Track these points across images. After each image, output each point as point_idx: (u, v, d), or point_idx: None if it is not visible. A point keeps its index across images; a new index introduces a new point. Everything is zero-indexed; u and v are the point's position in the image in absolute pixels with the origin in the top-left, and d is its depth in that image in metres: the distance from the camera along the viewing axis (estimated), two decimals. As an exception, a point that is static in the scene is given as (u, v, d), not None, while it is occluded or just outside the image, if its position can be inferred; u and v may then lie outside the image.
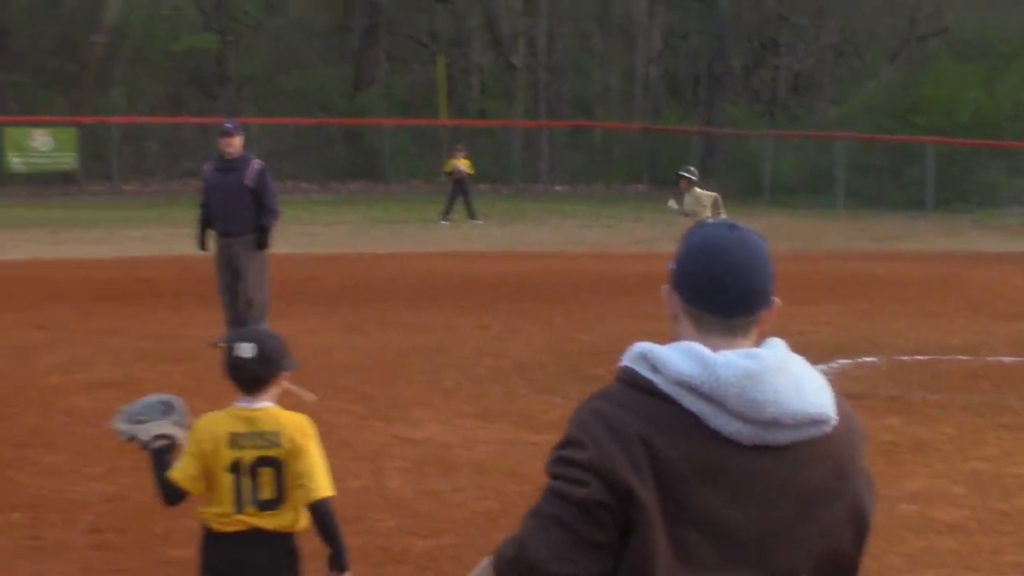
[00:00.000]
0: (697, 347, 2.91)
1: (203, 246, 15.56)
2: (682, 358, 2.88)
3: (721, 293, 2.98)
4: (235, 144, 15.07)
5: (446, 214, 36.22)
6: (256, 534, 5.28)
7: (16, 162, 46.15)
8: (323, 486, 5.27)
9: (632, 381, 2.93)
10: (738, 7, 56.86)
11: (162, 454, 5.48)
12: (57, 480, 9.64)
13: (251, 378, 5.27)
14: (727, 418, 2.84)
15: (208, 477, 5.31)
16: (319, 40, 59.02)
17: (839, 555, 2.96)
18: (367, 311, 18.47)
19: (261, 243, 15.17)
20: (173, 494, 5.45)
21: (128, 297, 19.73)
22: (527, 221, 37.31)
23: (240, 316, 14.98)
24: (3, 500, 9.09)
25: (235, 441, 5.22)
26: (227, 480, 5.22)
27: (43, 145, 46.45)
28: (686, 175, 21.48)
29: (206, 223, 15.33)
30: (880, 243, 31.34)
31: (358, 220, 36.30)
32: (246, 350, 5.22)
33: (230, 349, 5.34)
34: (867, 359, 14.99)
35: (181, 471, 5.34)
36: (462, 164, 36.97)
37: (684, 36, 60.91)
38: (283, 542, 5.37)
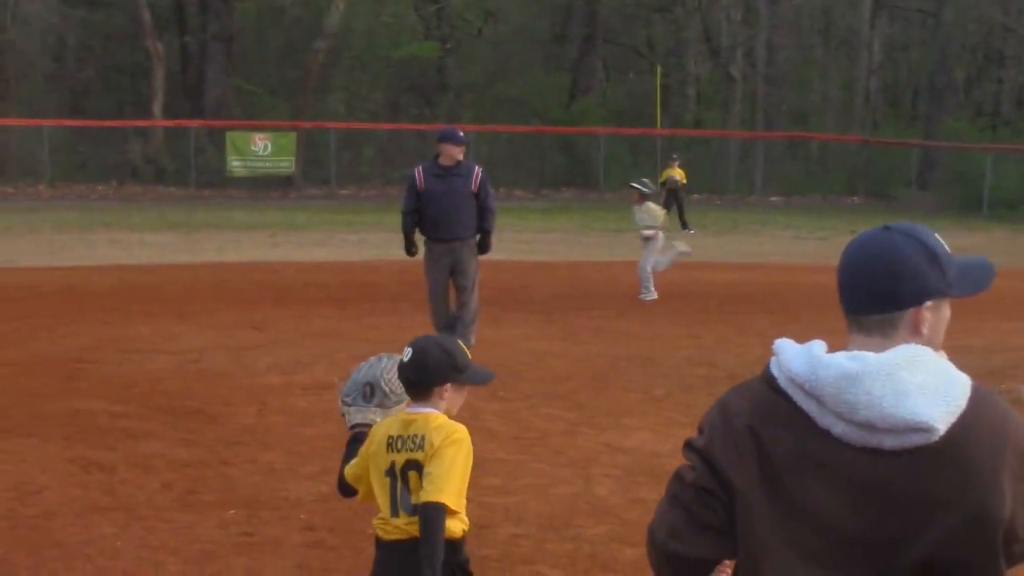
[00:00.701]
0: (816, 346, 2.98)
1: (412, 251, 15.63)
2: (797, 356, 2.97)
3: (846, 290, 3.07)
4: (460, 152, 15.13)
5: (659, 224, 36.06)
6: (414, 542, 5.09)
7: (237, 166, 47.21)
8: (439, 491, 4.97)
9: (763, 375, 3.04)
10: (962, 18, 55.69)
11: (352, 444, 5.43)
12: (272, 478, 9.78)
13: (407, 382, 5.17)
14: (832, 418, 2.89)
15: (373, 480, 5.25)
16: (537, 48, 59.34)
17: (962, 564, 2.90)
18: (580, 319, 18.46)
19: (485, 246, 15.31)
20: (344, 487, 5.47)
21: (344, 300, 20.01)
22: (741, 232, 36.99)
23: (452, 320, 15.13)
24: (220, 496, 9.25)
25: (392, 444, 5.13)
26: (385, 484, 5.15)
27: (263, 150, 47.41)
28: (637, 187, 20.85)
29: (414, 229, 15.38)
30: (1106, 260, 30.36)
31: (572, 228, 36.37)
32: (406, 354, 5.12)
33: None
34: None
35: (351, 467, 5.34)
36: (677, 174, 36.83)
37: (905, 48, 59.94)
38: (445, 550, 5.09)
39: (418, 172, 15.33)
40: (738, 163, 53.55)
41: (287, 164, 47.83)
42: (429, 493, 4.96)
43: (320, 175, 49.61)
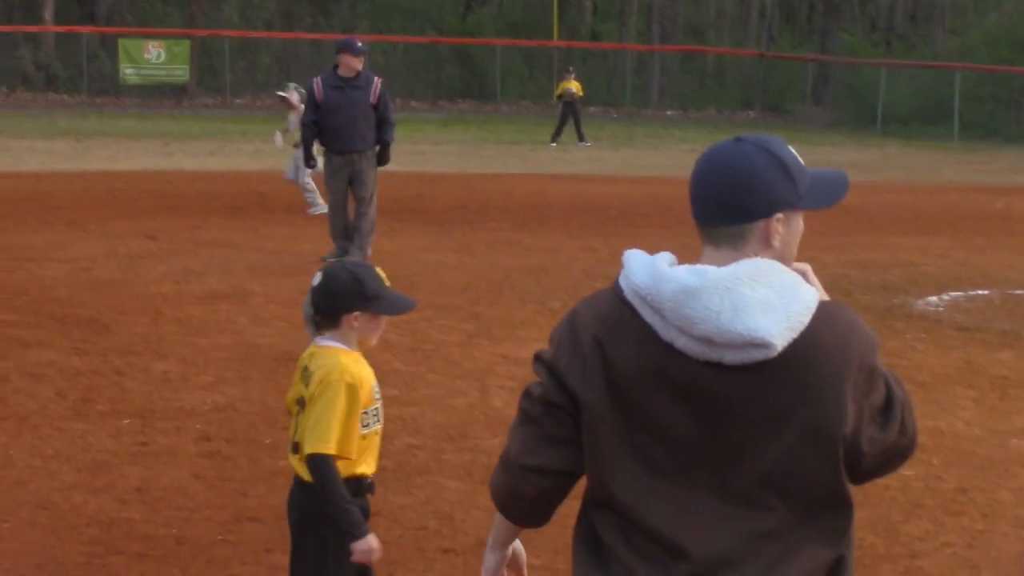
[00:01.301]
0: (661, 259, 2.95)
1: (311, 163, 15.67)
2: (641, 268, 2.94)
3: (697, 202, 3.02)
4: (360, 63, 15.07)
5: (556, 136, 36.11)
6: (297, 482, 4.96)
7: (130, 73, 46.61)
8: (319, 439, 4.71)
9: (612, 287, 3.01)
10: (858, -69, 55.99)
11: None
12: (166, 388, 9.72)
13: (316, 309, 4.85)
14: (674, 332, 2.87)
15: None
16: (433, -43, 58.84)
17: (803, 478, 2.90)
18: (476, 231, 18.47)
19: (384, 158, 15.35)
20: None
21: (238, 210, 19.86)
22: (637, 145, 37.11)
23: (348, 230, 15.12)
24: (114, 406, 9.18)
25: (301, 374, 4.89)
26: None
27: (157, 57, 46.80)
28: (284, 94, 20.99)
29: (313, 140, 15.35)
30: (996, 176, 30.82)
31: (468, 140, 36.29)
32: (315, 280, 4.85)
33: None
34: (980, 292, 14.75)
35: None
36: (573, 86, 36.80)
37: (801, -40, 60.09)
38: (310, 494, 4.86)
39: (316, 83, 15.22)
40: (634, 76, 53.59)
41: (181, 72, 47.28)
42: (311, 443, 4.72)
43: (215, 84, 49.10)
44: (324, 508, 4.76)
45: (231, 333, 11.60)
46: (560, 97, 37.24)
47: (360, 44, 15.39)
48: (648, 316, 2.89)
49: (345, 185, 15.19)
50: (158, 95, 46.89)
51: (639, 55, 54.58)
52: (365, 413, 4.83)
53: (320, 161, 15.61)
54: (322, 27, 52.90)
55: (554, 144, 35.46)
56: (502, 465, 3.19)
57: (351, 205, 15.30)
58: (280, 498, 7.35)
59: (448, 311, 12.68)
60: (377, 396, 4.92)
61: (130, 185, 22.75)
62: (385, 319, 4.95)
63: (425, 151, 30.57)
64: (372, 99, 14.99)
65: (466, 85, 51.71)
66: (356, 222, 15.23)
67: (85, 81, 46.60)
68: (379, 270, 4.96)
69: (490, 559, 3.45)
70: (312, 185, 19.42)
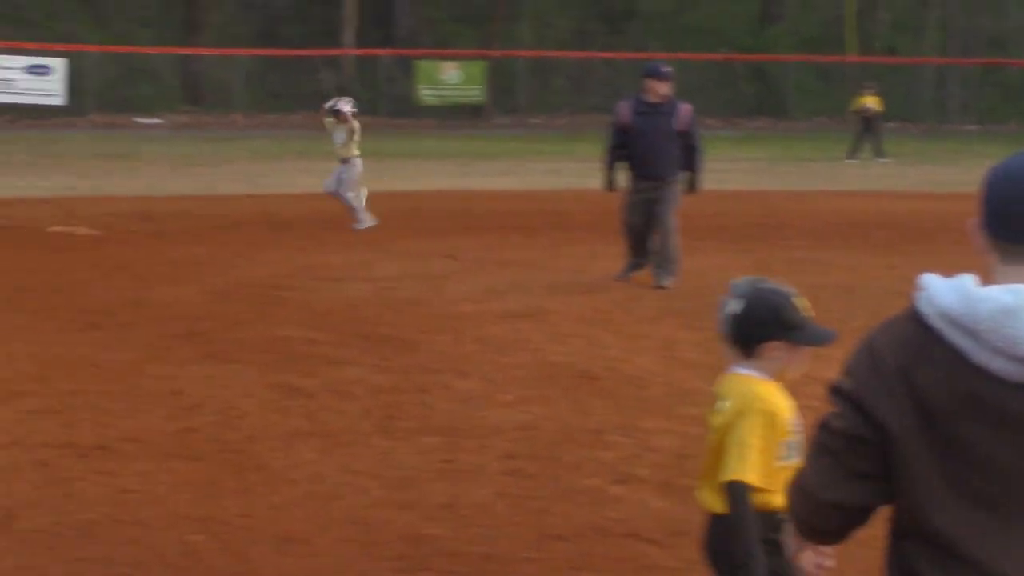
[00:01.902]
0: (966, 280, 2.82)
1: (613, 187, 15.47)
2: (948, 290, 2.81)
3: (998, 217, 2.86)
4: (666, 88, 14.85)
5: (853, 152, 35.55)
6: (710, 516, 4.75)
7: (427, 95, 47.46)
8: (737, 468, 4.54)
9: (909, 312, 2.90)
10: None
11: None
12: (469, 406, 9.84)
13: (731, 336, 4.70)
14: (988, 354, 2.74)
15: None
16: (726, -25, 58.54)
17: None
18: (774, 249, 18.27)
19: (694, 186, 15.22)
20: None
21: (535, 229, 20.04)
22: (936, 161, 36.26)
23: (645, 259, 15.01)
24: (419, 423, 9.33)
25: (716, 404, 4.74)
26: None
27: (453, 78, 47.58)
28: (339, 108, 20.74)
29: (616, 163, 15.22)
30: None
31: (763, 157, 35.99)
32: (729, 305, 4.66)
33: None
34: None
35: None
36: (870, 102, 36.18)
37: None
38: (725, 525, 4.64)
39: (623, 107, 15.06)
40: (933, 90, 52.43)
41: (477, 93, 48.00)
42: (729, 470, 4.55)
43: (509, 104, 49.69)
44: (730, 539, 4.56)
45: (531, 351, 11.69)
46: (855, 111, 36.64)
47: (666, 69, 15.10)
48: (958, 339, 2.78)
49: (646, 209, 14.97)
50: (455, 115, 47.69)
51: (937, 68, 53.38)
52: (783, 444, 4.63)
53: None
54: (615, 46, 53.11)
55: (852, 160, 34.89)
56: (800, 494, 3.12)
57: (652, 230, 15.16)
58: (584, 517, 7.41)
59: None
60: (796, 429, 4.69)
61: (429, 205, 23.18)
62: (808, 351, 4.76)
63: (721, 169, 30.34)
64: (678, 125, 14.80)
65: (761, 102, 51.32)
66: (661, 249, 14.99)
67: (383, 103, 47.66)
68: (800, 298, 4.79)
69: (806, 555, 3.58)
70: (356, 200, 19.69)
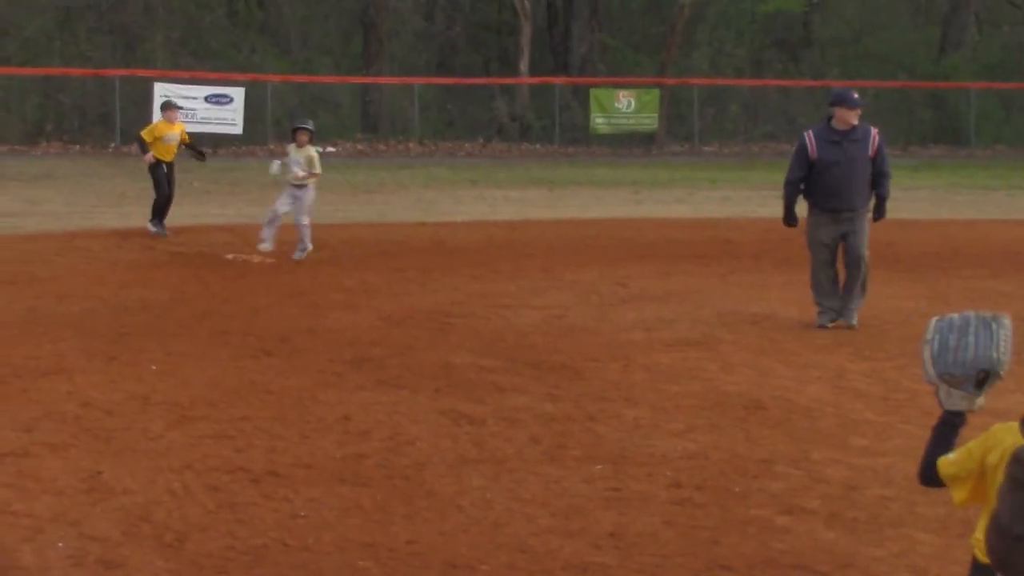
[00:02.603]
0: None
1: (794, 221, 14.57)
2: None
3: None
4: (856, 117, 14.14)
5: (1034, 180, 34.84)
6: (976, 566, 4.45)
7: (601, 123, 47.51)
8: None
9: None
10: None
11: (946, 429, 4.65)
12: (637, 435, 9.79)
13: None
14: None
15: (982, 492, 4.43)
16: (906, 1, 57.86)
17: None
18: (951, 278, 17.96)
19: (881, 212, 14.50)
20: (930, 477, 4.62)
21: (707, 258, 19.93)
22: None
23: (838, 292, 14.46)
24: (587, 451, 9.31)
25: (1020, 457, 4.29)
26: None
27: (627, 107, 47.58)
28: (308, 127, 20.11)
29: (797, 199, 14.43)
30: None
31: (940, 186, 35.38)
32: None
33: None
34: None
35: (951, 464, 4.53)
36: (1053, 128, 35.41)
37: None
38: None
39: (809, 138, 14.31)
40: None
41: (650, 121, 47.92)
42: None
43: (683, 131, 49.54)
44: None
45: (701, 381, 11.62)
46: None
47: (856, 96, 14.42)
48: None
49: (836, 246, 14.29)
50: (628, 143, 47.68)
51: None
52: None
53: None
54: (791, 73, 52.73)
55: (1032, 189, 34.18)
56: (995, 531, 3.06)
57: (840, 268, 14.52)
58: (752, 547, 7.33)
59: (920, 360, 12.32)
60: None
61: (601, 232, 23.18)
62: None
63: (897, 197, 29.82)
64: (871, 152, 14.11)
65: (938, 129, 50.51)
66: (849, 284, 14.34)
67: (557, 131, 47.82)
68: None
69: None
70: (307, 222, 19.39)
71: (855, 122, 14.12)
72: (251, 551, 7.26)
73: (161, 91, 42.28)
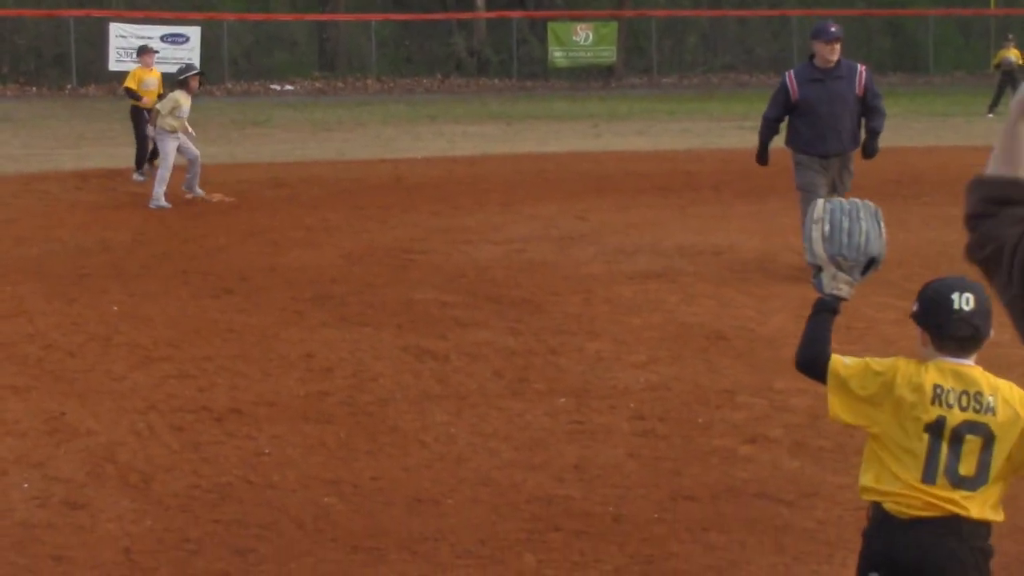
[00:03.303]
0: None
1: (766, 160, 13.96)
2: None
3: None
4: (836, 52, 13.20)
5: (993, 106, 34.92)
6: (948, 520, 4.28)
7: (559, 56, 47.38)
8: None
9: None
10: None
11: (825, 316, 4.61)
12: (600, 367, 9.82)
13: (971, 335, 4.32)
14: None
15: (862, 417, 4.43)
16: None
17: None
18: (910, 205, 18.02)
19: (872, 149, 13.56)
20: (814, 368, 4.57)
21: (667, 190, 19.93)
22: (1079, 115, 35.43)
23: None
24: (550, 385, 9.34)
25: (940, 396, 4.29)
26: (921, 441, 4.30)
27: (585, 40, 47.45)
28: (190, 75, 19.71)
29: (771, 138, 13.76)
30: None
31: (899, 113, 35.39)
32: (965, 301, 4.30)
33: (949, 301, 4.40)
34: None
35: (847, 369, 4.47)
36: (1012, 55, 35.48)
37: None
38: (979, 535, 4.31)
39: (790, 77, 13.37)
40: (1076, 42, 51.31)
41: (608, 54, 47.84)
42: None
43: (641, 64, 49.46)
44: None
45: (662, 312, 11.65)
46: (998, 66, 35.97)
47: (834, 28, 13.38)
48: None
49: (826, 188, 13.16)
50: (586, 77, 47.59)
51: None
52: None
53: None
54: (749, 4, 52.61)
55: (991, 115, 34.28)
56: None
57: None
58: (715, 477, 7.38)
59: (882, 287, 12.37)
60: None
61: (560, 167, 23.15)
62: None
63: (854, 126, 30.01)
64: (858, 90, 13.20)
65: (898, 57, 50.59)
66: None
67: (515, 65, 47.68)
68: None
69: None
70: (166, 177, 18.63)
71: (833, 58, 13.15)
72: (216, 489, 7.27)
73: (116, 31, 42.00)
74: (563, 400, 8.96)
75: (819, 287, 4.68)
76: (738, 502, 7.05)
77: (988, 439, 4.28)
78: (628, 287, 12.73)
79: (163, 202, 18.16)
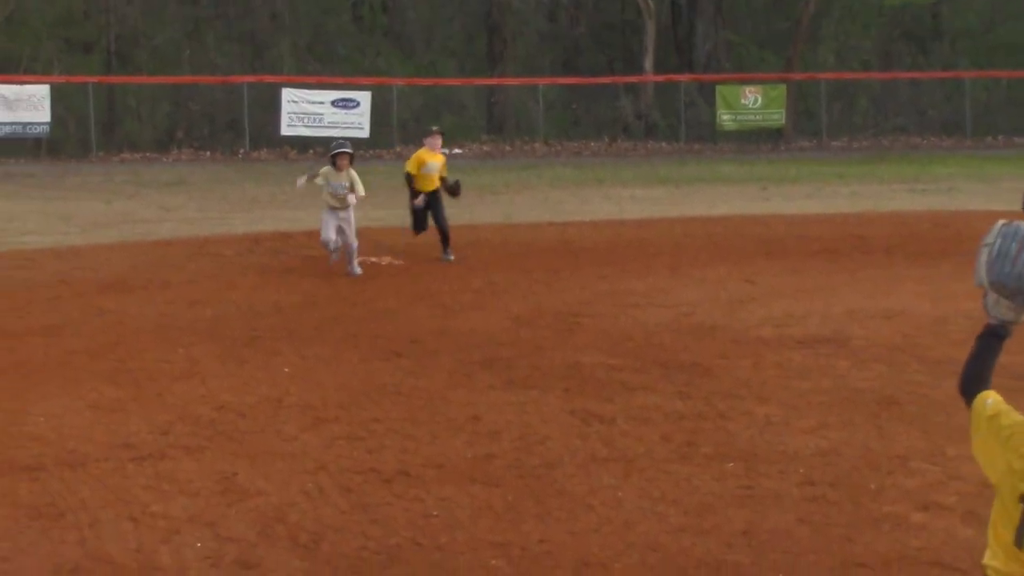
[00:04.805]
0: None
1: None
2: None
3: None
4: None
5: None
6: None
7: (727, 119, 47.27)
8: None
9: None
10: None
11: (990, 340, 4.32)
12: (768, 432, 9.72)
13: None
14: None
15: (986, 456, 4.17)
16: (1036, -11, 56.79)
17: None
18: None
19: None
20: (968, 392, 4.27)
21: (836, 253, 19.73)
22: None
23: None
24: (718, 449, 9.26)
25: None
26: (1017, 509, 4.01)
27: (753, 103, 47.29)
28: (348, 150, 18.60)
29: None
30: None
31: (1076, 175, 34.79)
32: None
33: None
34: None
35: (986, 409, 4.19)
36: None
37: None
38: None
39: None
40: None
41: (777, 116, 47.58)
42: None
43: (810, 127, 49.14)
44: None
45: (832, 377, 11.50)
46: None
47: None
48: None
49: None
50: (754, 140, 47.38)
51: None
52: None
53: None
54: (921, 65, 52.04)
55: None
56: None
57: None
58: (887, 545, 7.25)
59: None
60: None
61: (728, 230, 23.04)
62: None
63: (1030, 188, 29.50)
64: None
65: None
66: None
67: (683, 128, 47.63)
68: None
69: None
70: (356, 244, 18.28)
71: None
72: (385, 551, 7.31)
73: (288, 96, 42.79)
74: (732, 465, 8.88)
75: (987, 309, 4.38)
76: (911, 571, 6.92)
77: None
78: (798, 351, 12.60)
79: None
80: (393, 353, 12.78)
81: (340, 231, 18.14)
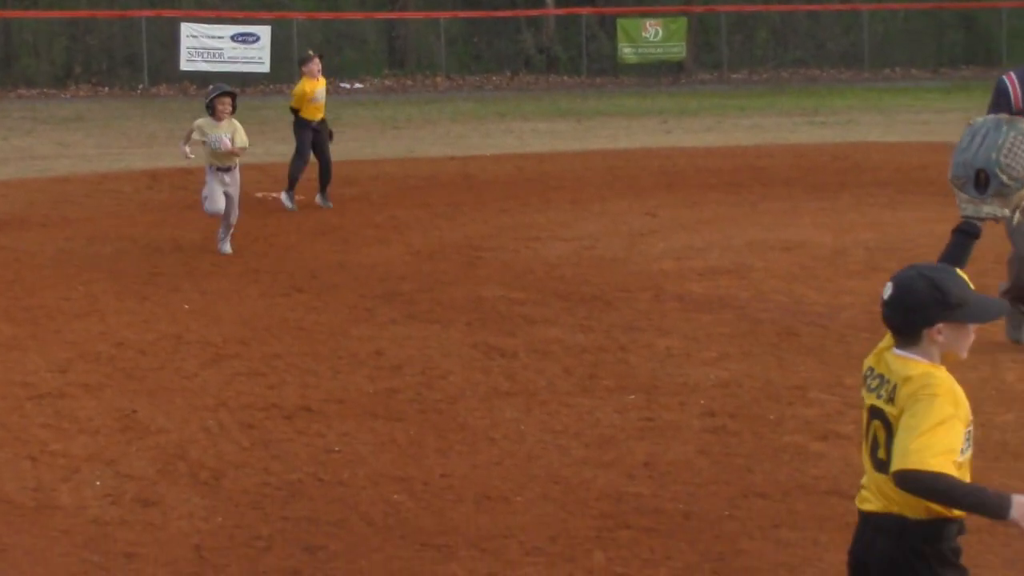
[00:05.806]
0: None
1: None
2: None
3: None
4: None
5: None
6: (881, 518, 4.11)
7: (628, 53, 47.22)
8: (915, 458, 3.88)
9: None
10: None
11: (958, 236, 4.47)
12: (670, 364, 9.79)
13: (890, 325, 4.15)
14: None
15: None
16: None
17: None
18: (982, 201, 17.83)
19: None
20: None
21: (737, 186, 19.83)
22: None
23: None
24: (619, 382, 9.31)
25: (866, 378, 4.20)
26: (863, 425, 4.20)
27: (654, 35, 47.28)
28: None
29: None
30: None
31: (972, 108, 35.11)
32: (885, 291, 4.09)
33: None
34: None
35: None
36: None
37: None
38: (899, 529, 4.08)
39: (1011, 81, 10.87)
40: None
41: (678, 50, 47.62)
42: (901, 460, 3.92)
43: (711, 60, 49.26)
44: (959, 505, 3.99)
45: (733, 309, 11.59)
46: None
47: None
48: None
49: None
50: (656, 73, 47.41)
51: None
52: (965, 435, 4.07)
53: None
54: (819, -1, 52.29)
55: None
56: None
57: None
58: (787, 474, 7.32)
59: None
60: (970, 417, 4.12)
61: (630, 163, 23.08)
62: (973, 328, 4.17)
63: (928, 120, 29.74)
64: None
65: (970, 51, 50.07)
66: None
67: (584, 62, 47.58)
68: (962, 274, 4.19)
69: None
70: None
71: None
72: (286, 486, 7.29)
73: (187, 31, 42.25)
74: (633, 397, 8.93)
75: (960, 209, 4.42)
76: (810, 499, 7.00)
77: (888, 427, 4.09)
78: (698, 283, 12.68)
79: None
80: (294, 288, 12.71)
81: (227, 198, 14.87)
